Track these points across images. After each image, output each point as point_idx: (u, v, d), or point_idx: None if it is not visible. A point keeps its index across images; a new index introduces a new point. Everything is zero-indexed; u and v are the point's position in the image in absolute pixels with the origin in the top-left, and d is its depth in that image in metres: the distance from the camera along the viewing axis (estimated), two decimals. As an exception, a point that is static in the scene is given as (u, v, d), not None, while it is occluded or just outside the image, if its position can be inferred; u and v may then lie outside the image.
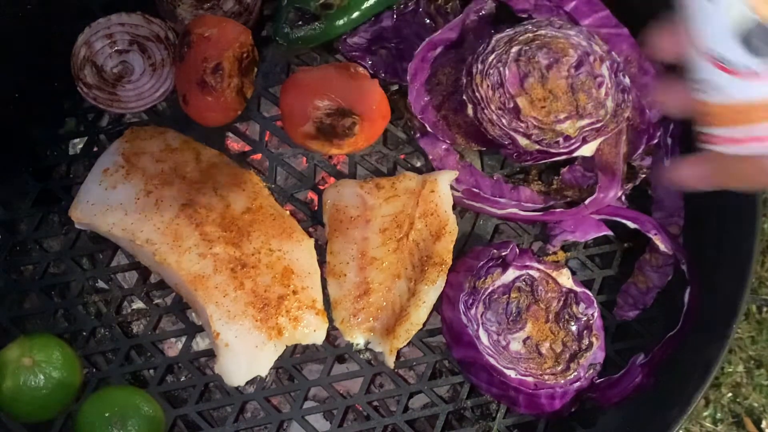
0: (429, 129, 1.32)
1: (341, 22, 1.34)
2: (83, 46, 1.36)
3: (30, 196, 1.35)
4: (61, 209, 1.33)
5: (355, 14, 1.34)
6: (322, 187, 1.33)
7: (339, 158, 1.38)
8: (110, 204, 1.26)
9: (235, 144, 1.38)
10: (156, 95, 1.36)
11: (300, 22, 1.33)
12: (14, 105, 1.39)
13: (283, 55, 1.40)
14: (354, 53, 1.36)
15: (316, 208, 1.35)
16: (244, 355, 1.21)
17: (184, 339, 1.30)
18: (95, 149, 1.37)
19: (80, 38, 1.36)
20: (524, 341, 1.24)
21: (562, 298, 1.25)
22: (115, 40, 1.37)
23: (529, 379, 1.23)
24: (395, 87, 1.36)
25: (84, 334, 1.30)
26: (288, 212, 1.29)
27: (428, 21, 1.38)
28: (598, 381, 1.25)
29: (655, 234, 1.29)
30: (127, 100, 1.36)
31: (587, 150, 1.26)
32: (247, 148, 1.37)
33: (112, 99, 1.35)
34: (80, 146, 1.39)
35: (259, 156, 1.37)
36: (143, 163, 1.28)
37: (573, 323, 1.25)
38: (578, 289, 1.26)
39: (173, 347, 1.33)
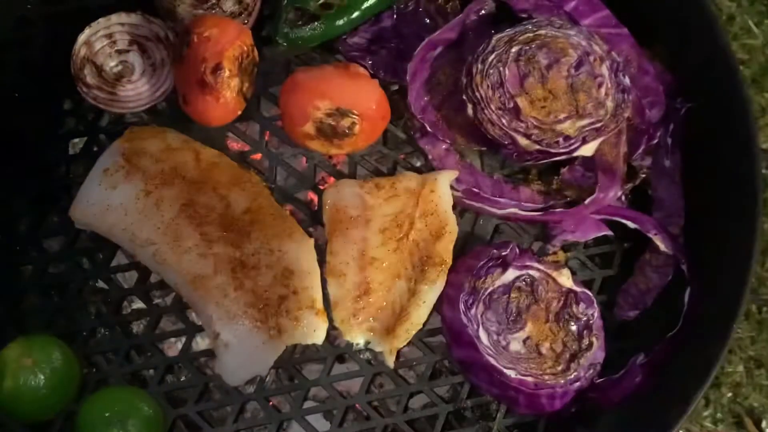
0: (429, 129, 1.32)
1: (341, 21, 1.34)
2: (83, 45, 1.36)
3: (29, 195, 1.35)
4: (61, 209, 1.32)
5: (355, 14, 1.34)
6: (322, 187, 1.33)
7: (339, 158, 1.38)
8: (110, 204, 1.26)
9: (235, 144, 1.38)
10: (156, 95, 1.36)
11: (300, 22, 1.33)
12: (14, 105, 1.39)
13: (283, 55, 1.40)
14: (354, 53, 1.36)
15: (316, 208, 1.34)
16: (244, 355, 1.21)
17: (183, 339, 1.30)
18: (95, 149, 1.37)
19: (80, 38, 1.36)
20: (524, 341, 1.24)
21: (563, 298, 1.25)
22: (115, 39, 1.37)
23: (529, 379, 1.23)
24: (395, 87, 1.36)
25: (84, 334, 1.30)
26: (288, 212, 1.29)
27: (428, 21, 1.38)
28: (598, 381, 1.25)
29: (655, 234, 1.29)
30: (126, 100, 1.35)
31: (587, 150, 1.26)
32: (247, 148, 1.37)
33: (112, 99, 1.35)
34: (80, 146, 1.39)
35: (259, 156, 1.37)
36: (143, 163, 1.28)
37: (573, 323, 1.25)
38: (578, 289, 1.26)
39: (173, 347, 1.33)
